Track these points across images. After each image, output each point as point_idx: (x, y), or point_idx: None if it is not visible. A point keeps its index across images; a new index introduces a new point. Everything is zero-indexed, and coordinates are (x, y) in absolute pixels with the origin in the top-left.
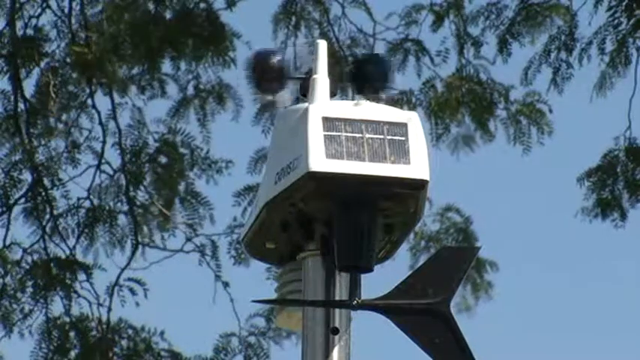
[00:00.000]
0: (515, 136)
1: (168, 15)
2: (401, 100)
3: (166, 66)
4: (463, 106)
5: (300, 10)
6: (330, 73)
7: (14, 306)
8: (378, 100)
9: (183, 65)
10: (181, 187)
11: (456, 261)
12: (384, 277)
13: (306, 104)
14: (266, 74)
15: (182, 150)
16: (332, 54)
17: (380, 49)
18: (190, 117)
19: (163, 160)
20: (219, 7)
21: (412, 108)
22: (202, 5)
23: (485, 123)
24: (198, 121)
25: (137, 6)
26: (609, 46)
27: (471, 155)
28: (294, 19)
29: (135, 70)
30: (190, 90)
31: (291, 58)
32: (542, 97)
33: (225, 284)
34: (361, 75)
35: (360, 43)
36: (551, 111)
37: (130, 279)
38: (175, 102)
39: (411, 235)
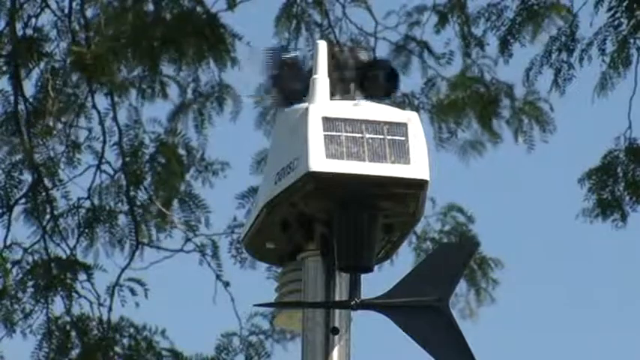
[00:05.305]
0: (518, 134)
1: (168, 16)
2: (404, 103)
3: (166, 68)
4: (468, 107)
5: (301, 12)
6: (334, 76)
7: (15, 306)
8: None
9: (183, 66)
10: (181, 187)
11: (455, 258)
12: (384, 278)
13: (306, 104)
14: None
15: (179, 151)
16: (333, 56)
17: (383, 49)
18: (189, 121)
19: (162, 160)
20: (220, 8)
21: (416, 110)
22: (200, 9)
23: (489, 124)
24: (196, 127)
25: (137, 11)
26: (610, 47)
27: (477, 157)
28: (294, 22)
29: (135, 73)
30: (189, 94)
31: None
32: (543, 96)
33: (226, 284)
34: (369, 80)
35: (362, 43)
36: (552, 109)
37: (130, 279)
38: (174, 106)
39: (415, 235)
